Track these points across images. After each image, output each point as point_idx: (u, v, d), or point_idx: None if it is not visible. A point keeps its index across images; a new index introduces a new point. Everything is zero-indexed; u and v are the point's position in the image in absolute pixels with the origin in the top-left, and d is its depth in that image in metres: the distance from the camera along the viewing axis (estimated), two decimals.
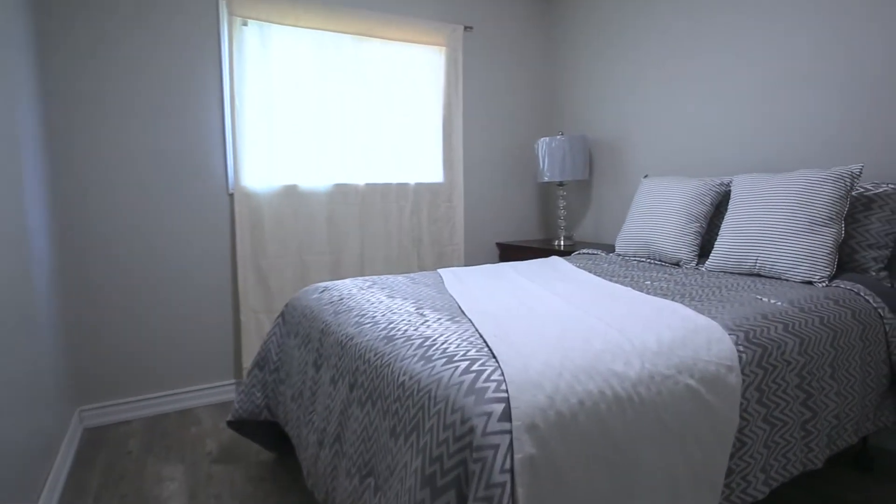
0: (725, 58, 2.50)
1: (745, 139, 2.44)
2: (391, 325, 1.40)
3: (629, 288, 1.78)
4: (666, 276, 2.03)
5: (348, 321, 1.55)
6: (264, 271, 2.68)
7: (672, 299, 1.63)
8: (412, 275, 2.23)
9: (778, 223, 1.89)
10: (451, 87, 3.15)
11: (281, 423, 1.87)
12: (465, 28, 3.19)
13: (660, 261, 2.37)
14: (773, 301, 1.57)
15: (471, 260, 3.41)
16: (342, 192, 2.87)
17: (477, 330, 1.29)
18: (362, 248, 2.94)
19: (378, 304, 1.65)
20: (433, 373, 1.07)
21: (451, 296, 1.77)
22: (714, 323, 1.33)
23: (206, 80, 2.55)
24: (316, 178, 2.80)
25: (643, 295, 1.65)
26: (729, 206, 2.14)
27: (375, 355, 1.28)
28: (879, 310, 1.64)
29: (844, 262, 1.92)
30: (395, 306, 1.60)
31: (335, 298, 1.80)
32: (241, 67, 2.56)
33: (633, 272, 2.15)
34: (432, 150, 3.14)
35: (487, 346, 1.16)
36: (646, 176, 2.71)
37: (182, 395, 2.60)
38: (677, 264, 2.29)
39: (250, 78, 2.59)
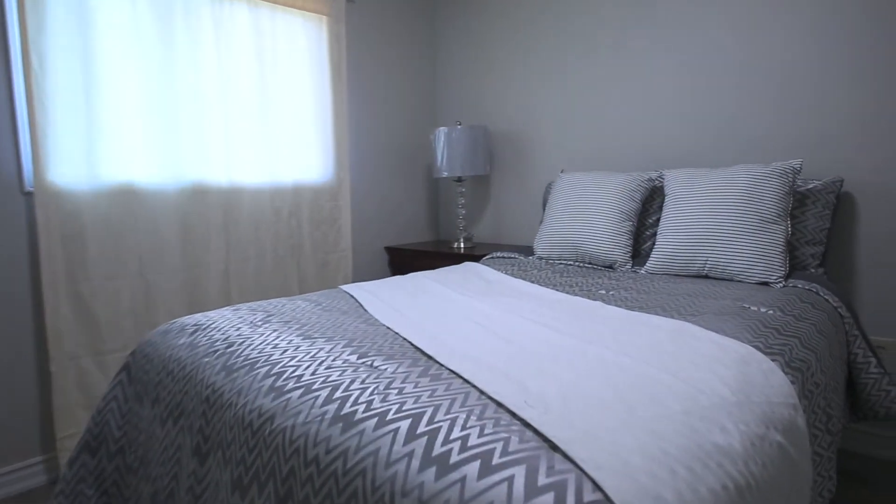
0: (645, 48, 2.38)
1: (666, 133, 2.34)
2: (339, 394, 0.90)
3: (599, 302, 1.50)
4: (613, 282, 1.81)
5: (255, 385, 1.01)
6: (86, 299, 1.90)
7: (655, 314, 1.38)
8: (313, 296, 1.70)
9: (727, 221, 1.77)
10: (335, 67, 2.62)
11: None
12: None
13: (590, 264, 2.16)
14: (762, 309, 1.40)
15: (360, 269, 2.92)
16: (200, 192, 2.19)
17: (483, 392, 0.87)
18: (227, 262, 2.29)
19: (294, 350, 1.13)
20: (473, 494, 0.63)
21: (388, 327, 1.32)
22: (749, 347, 1.09)
23: None
24: (163, 173, 2.08)
25: (631, 313, 1.37)
26: (666, 203, 2.00)
27: (334, 455, 0.79)
28: (839, 309, 1.58)
29: None
30: (324, 355, 1.10)
31: (219, 343, 1.22)
32: (41, 12, 1.76)
33: (574, 279, 1.90)
34: (314, 141, 2.59)
35: (531, 428, 0.74)
36: (563, 170, 2.50)
37: None
38: (610, 267, 2.10)
39: (58, 29, 1.80)
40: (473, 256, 2.67)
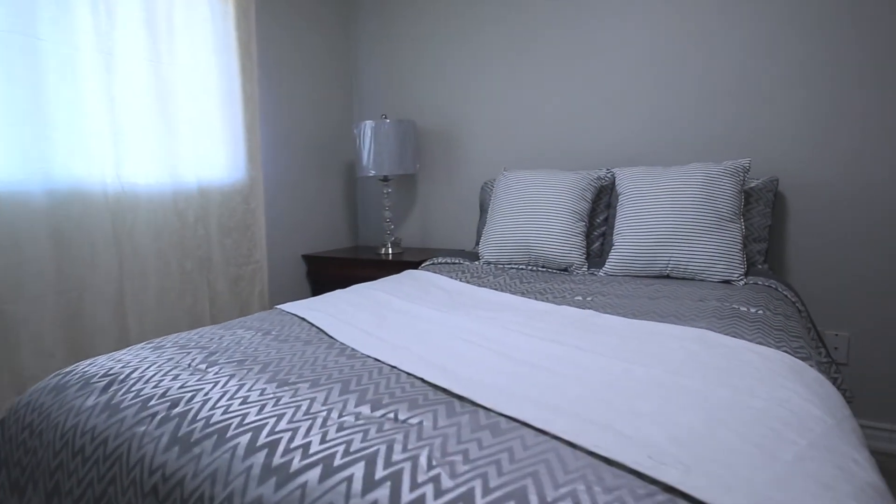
0: (585, 45, 2.34)
1: (610, 130, 2.31)
2: (389, 476, 0.66)
3: (590, 311, 1.38)
4: (581, 287, 1.72)
5: (239, 467, 0.73)
6: None
7: (654, 320, 1.30)
8: (252, 322, 1.39)
9: (688, 220, 1.76)
10: (243, 45, 2.24)
11: None
12: None
13: (544, 267, 2.06)
14: (751, 309, 1.38)
15: (276, 282, 2.57)
16: (80, 196, 1.73)
17: (577, 446, 0.68)
18: (120, 281, 1.84)
19: (276, 406, 0.85)
20: None
21: (375, 358, 1.08)
22: (781, 353, 1.03)
23: None
24: (24, 172, 1.60)
25: (633, 321, 1.27)
26: (621, 203, 1.96)
27: None
28: (796, 304, 1.64)
29: None
30: (322, 409, 0.84)
31: (156, 403, 0.90)
32: None
33: (537, 285, 1.78)
34: (222, 132, 2.19)
35: (683, 495, 0.57)
36: (506, 169, 2.38)
37: None
38: (566, 270, 2.02)
39: None
40: (405, 263, 2.46)
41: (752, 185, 1.92)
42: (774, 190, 1.90)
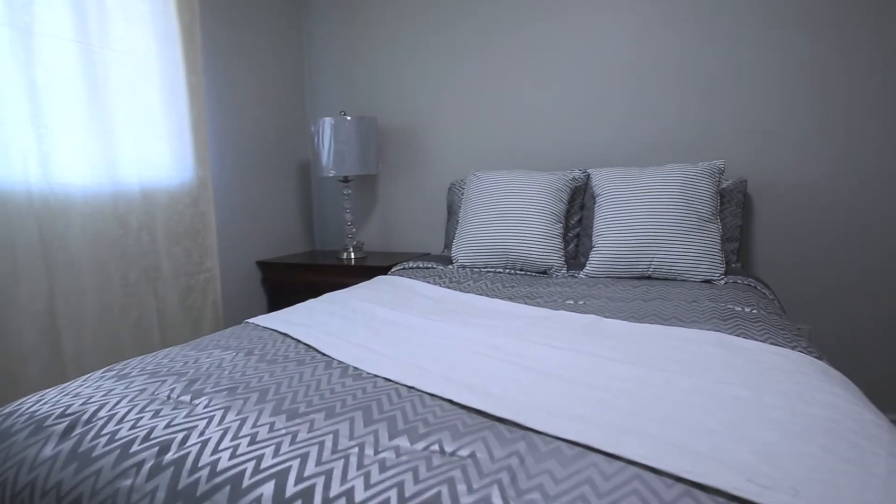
0: (555, 44, 2.31)
1: (581, 130, 2.30)
2: None
3: (592, 315, 1.34)
4: (567, 290, 1.68)
5: None
6: None
7: (655, 323, 1.27)
8: (226, 340, 1.23)
9: (670, 221, 1.77)
10: (186, 29, 2.03)
11: None
12: None
13: (522, 270, 2.01)
14: (746, 309, 1.39)
15: (230, 291, 2.36)
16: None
17: (662, 472, 0.61)
18: (51, 297, 1.59)
19: (292, 445, 0.72)
20: None
21: (385, 378, 0.97)
22: (801, 354, 1.02)
23: None
24: None
25: (643, 325, 1.23)
26: (599, 204, 1.94)
27: None
28: (774, 302, 1.68)
29: None
30: (351, 447, 0.72)
31: (139, 448, 0.74)
32: None
33: (521, 289, 1.72)
34: (166, 128, 1.97)
35: None
36: (477, 170, 2.31)
37: None
38: (545, 273, 1.98)
39: None
40: (371, 268, 2.34)
41: (724, 185, 1.96)
42: (744, 191, 1.96)
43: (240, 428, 0.77)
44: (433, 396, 0.88)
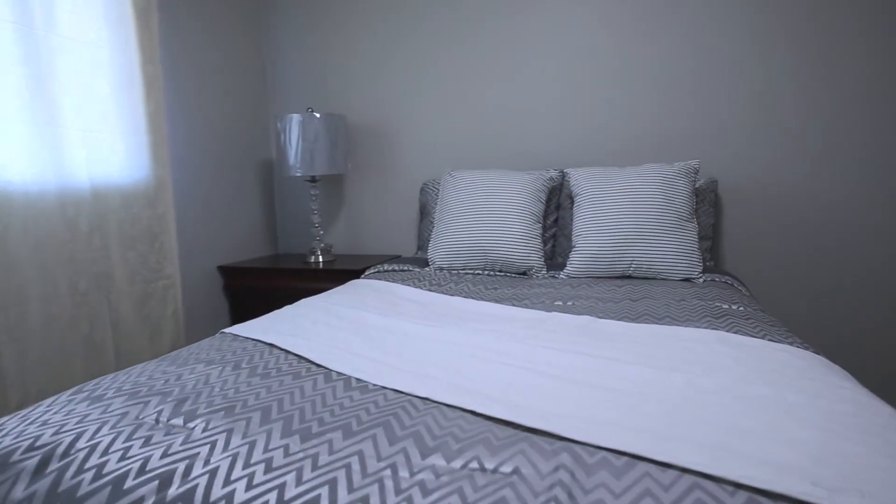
0: (530, 43, 2.29)
1: (555, 130, 2.29)
2: None
3: (586, 316, 1.32)
4: (552, 290, 1.66)
5: None
6: None
7: (650, 322, 1.27)
8: (207, 353, 1.13)
9: (650, 220, 1.78)
10: (141, 13, 1.87)
11: None
12: None
13: (501, 271, 1.98)
14: (733, 307, 1.41)
15: (191, 298, 2.20)
16: None
17: (726, 481, 0.59)
18: None
19: (310, 472, 0.65)
20: None
21: (394, 389, 0.91)
22: (801, 350, 1.04)
23: None
24: None
25: (639, 325, 1.22)
26: (578, 203, 1.94)
27: None
28: (753, 298, 1.72)
29: None
30: (388, 472, 0.66)
31: (138, 485, 0.65)
32: None
33: (504, 290, 1.69)
34: (118, 121, 1.81)
35: None
36: (452, 170, 2.26)
37: None
38: (525, 274, 1.96)
39: None
40: (342, 272, 2.25)
41: (698, 185, 2.01)
42: (716, 190, 2.01)
43: (250, 453, 0.69)
44: (452, 408, 0.83)
